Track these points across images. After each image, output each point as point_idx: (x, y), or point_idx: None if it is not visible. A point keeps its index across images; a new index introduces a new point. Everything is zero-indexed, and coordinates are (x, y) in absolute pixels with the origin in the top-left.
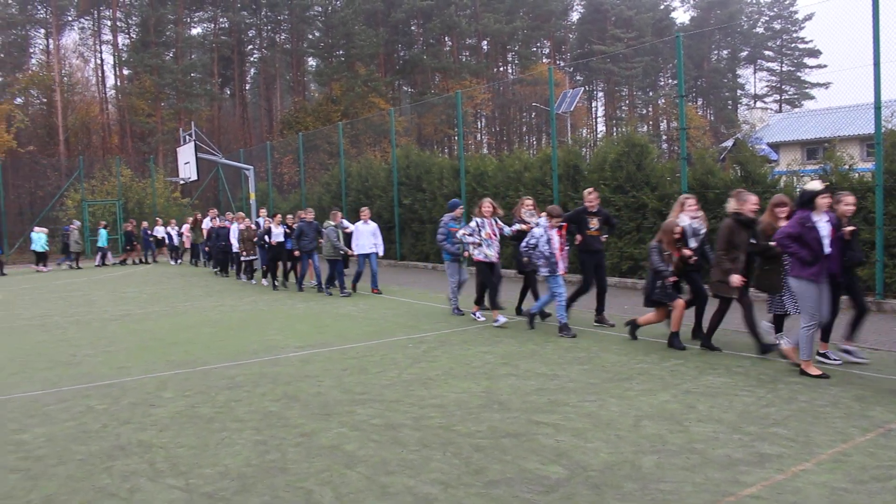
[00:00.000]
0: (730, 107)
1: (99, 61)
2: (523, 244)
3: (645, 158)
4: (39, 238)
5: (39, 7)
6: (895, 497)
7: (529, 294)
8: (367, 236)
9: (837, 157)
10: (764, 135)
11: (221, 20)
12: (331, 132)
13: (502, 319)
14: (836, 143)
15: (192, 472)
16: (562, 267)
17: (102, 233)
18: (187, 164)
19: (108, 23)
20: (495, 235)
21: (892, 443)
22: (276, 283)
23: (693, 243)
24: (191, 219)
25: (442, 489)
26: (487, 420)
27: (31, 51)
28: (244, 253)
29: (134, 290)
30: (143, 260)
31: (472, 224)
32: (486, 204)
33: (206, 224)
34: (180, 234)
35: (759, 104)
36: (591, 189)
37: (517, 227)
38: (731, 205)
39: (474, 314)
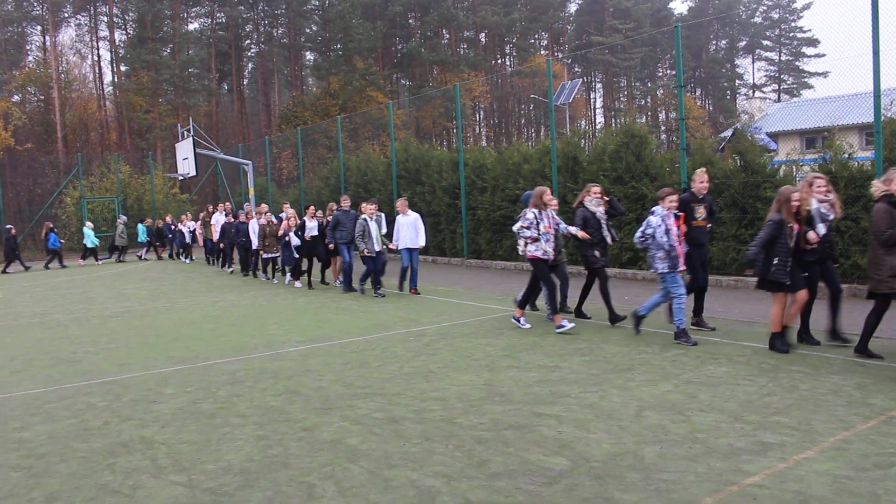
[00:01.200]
0: (728, 97)
1: (96, 58)
2: (638, 235)
3: (644, 149)
4: (89, 234)
5: (35, 4)
6: None
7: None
8: (408, 229)
9: (837, 145)
10: (763, 124)
11: (218, 15)
12: (329, 126)
13: (568, 325)
14: (835, 131)
15: (194, 468)
16: (682, 262)
17: (88, 232)
18: (186, 159)
19: (105, 19)
20: (552, 229)
21: (894, 430)
22: (312, 283)
23: (822, 229)
24: (202, 214)
25: (445, 482)
26: (489, 412)
27: (28, 48)
28: (265, 250)
29: (133, 286)
30: (172, 256)
31: (530, 215)
32: (549, 194)
33: (218, 219)
34: (192, 231)
35: (757, 94)
36: (703, 169)
37: (575, 230)
38: (878, 186)
39: (517, 319)
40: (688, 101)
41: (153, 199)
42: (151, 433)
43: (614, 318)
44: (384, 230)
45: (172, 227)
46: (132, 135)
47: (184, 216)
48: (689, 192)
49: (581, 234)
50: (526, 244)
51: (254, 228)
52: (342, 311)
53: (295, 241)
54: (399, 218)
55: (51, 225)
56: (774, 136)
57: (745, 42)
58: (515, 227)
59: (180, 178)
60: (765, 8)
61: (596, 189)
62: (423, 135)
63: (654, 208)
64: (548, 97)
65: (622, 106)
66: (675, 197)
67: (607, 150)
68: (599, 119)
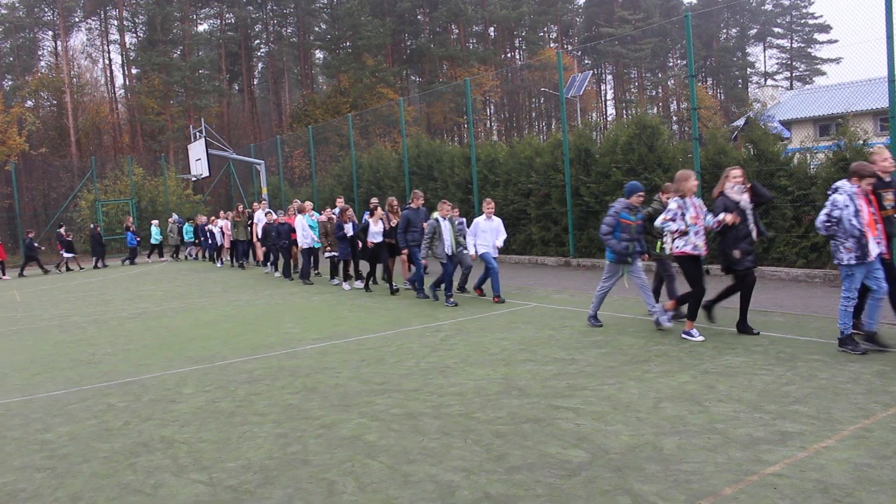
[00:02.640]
0: (740, 85)
1: (107, 61)
2: (822, 218)
3: (656, 140)
4: (154, 231)
5: (46, 9)
6: None
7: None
8: (490, 234)
9: (851, 132)
10: (776, 112)
11: (227, 16)
12: (340, 124)
13: (698, 336)
14: (849, 118)
15: (215, 467)
16: (875, 250)
17: (154, 230)
18: (198, 160)
19: (115, 22)
20: (700, 219)
21: None
22: (370, 286)
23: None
24: (230, 213)
25: (464, 476)
26: (507, 406)
27: (40, 53)
28: (329, 249)
29: (149, 288)
30: (206, 257)
31: (673, 206)
32: (693, 179)
33: (260, 218)
34: (222, 232)
35: (769, 82)
36: (881, 146)
37: (724, 217)
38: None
39: (688, 333)
40: (699, 91)
41: (167, 200)
42: (171, 432)
43: (745, 329)
44: (502, 237)
45: (205, 227)
46: (145, 137)
47: (213, 217)
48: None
49: (731, 217)
50: (673, 240)
51: (300, 226)
52: (358, 309)
53: (349, 232)
54: (481, 221)
55: (129, 224)
56: (788, 124)
57: (756, 30)
58: (658, 222)
59: (193, 178)
60: None
61: (736, 173)
62: (435, 130)
63: (838, 183)
64: (558, 90)
65: (633, 97)
66: (872, 177)
67: (619, 142)
68: (611, 111)
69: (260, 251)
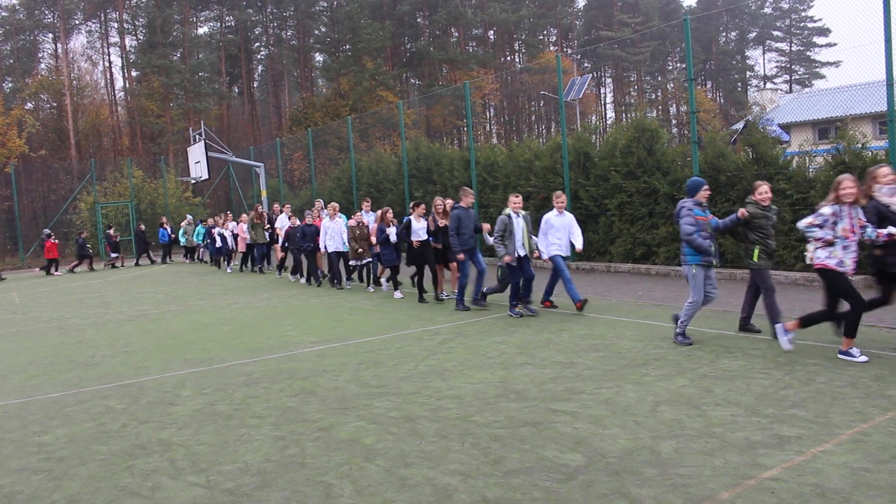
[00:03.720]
0: (739, 89)
1: (107, 64)
2: None
3: (656, 143)
4: (197, 231)
5: (47, 12)
6: None
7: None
8: (563, 232)
9: (850, 135)
10: (775, 116)
11: (227, 19)
12: (340, 127)
13: (860, 357)
14: (848, 121)
15: (212, 469)
16: None
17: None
18: (198, 163)
19: (115, 25)
20: (854, 233)
21: None
22: (425, 296)
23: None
24: (244, 216)
25: (461, 480)
26: (505, 410)
27: (40, 56)
28: (355, 256)
29: (149, 290)
30: (210, 260)
31: (827, 211)
32: (847, 183)
33: (282, 223)
34: (235, 236)
35: (768, 85)
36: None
37: (892, 230)
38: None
39: (847, 353)
40: (698, 94)
41: (166, 202)
42: (169, 435)
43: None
44: (577, 234)
45: (213, 230)
46: (144, 139)
47: (218, 218)
48: None
49: None
50: (815, 249)
51: (326, 230)
52: (356, 311)
53: (393, 238)
54: (552, 217)
55: (163, 222)
56: (786, 128)
57: (755, 33)
58: (801, 224)
59: (193, 181)
60: None
61: (885, 171)
62: (434, 133)
63: None
64: (558, 93)
65: (632, 100)
66: None
67: (618, 145)
68: (610, 114)
69: (279, 255)
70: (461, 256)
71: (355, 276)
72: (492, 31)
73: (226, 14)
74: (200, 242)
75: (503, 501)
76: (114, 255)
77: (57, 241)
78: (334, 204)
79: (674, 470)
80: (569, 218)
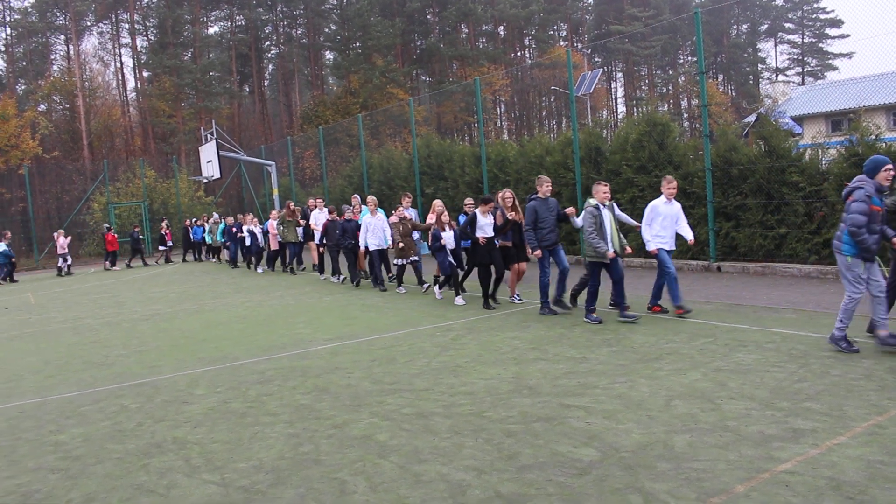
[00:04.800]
0: (751, 81)
1: (119, 65)
2: None
3: (667, 137)
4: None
5: (59, 14)
6: None
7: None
8: (671, 222)
9: (863, 127)
10: (787, 108)
11: (238, 18)
12: (351, 124)
13: None
14: (861, 113)
15: (227, 467)
16: None
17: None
18: (210, 162)
19: (126, 26)
20: None
21: None
22: (493, 302)
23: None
24: (274, 212)
25: (475, 475)
26: (518, 405)
27: (52, 57)
28: (399, 255)
29: (161, 289)
30: (237, 262)
31: None
32: None
33: (318, 217)
34: (265, 233)
35: (780, 77)
36: None
37: None
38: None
39: None
40: (710, 88)
41: (178, 202)
42: (184, 433)
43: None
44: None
45: (233, 229)
46: (156, 139)
47: (242, 217)
48: None
49: None
50: None
51: (368, 226)
52: (369, 309)
53: (450, 243)
54: (660, 204)
55: (195, 219)
56: (799, 120)
57: (766, 25)
58: None
59: (205, 180)
60: None
61: None
62: (445, 130)
63: None
64: (568, 88)
65: (643, 94)
66: None
67: (630, 140)
68: (621, 108)
69: (315, 254)
70: (537, 253)
71: (392, 276)
72: (502, 27)
73: (236, 13)
74: (221, 241)
75: (517, 497)
76: (162, 248)
77: (116, 234)
78: (373, 198)
79: (688, 464)
80: (677, 207)
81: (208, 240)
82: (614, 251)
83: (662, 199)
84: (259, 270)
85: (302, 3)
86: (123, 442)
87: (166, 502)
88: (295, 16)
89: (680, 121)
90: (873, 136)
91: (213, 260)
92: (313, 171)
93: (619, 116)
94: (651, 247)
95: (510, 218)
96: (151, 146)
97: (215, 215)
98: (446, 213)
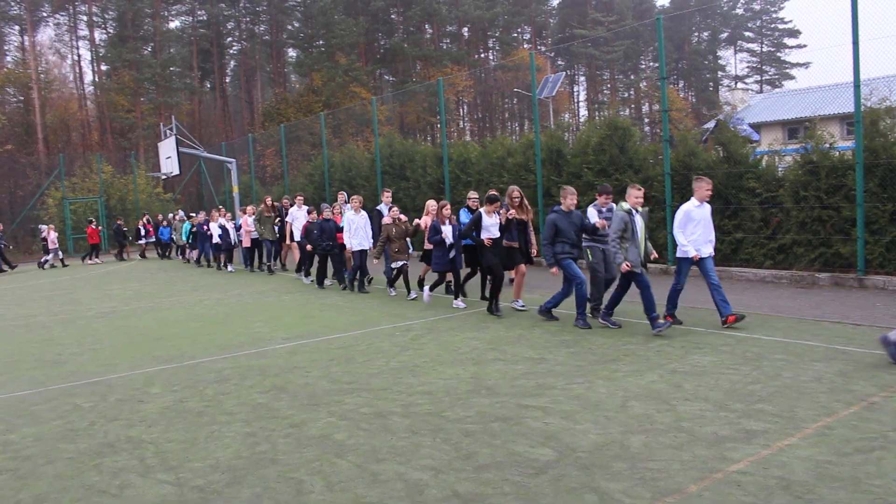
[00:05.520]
0: (711, 88)
1: (76, 57)
2: None
3: (628, 141)
4: (184, 228)
5: (13, 3)
6: (878, 468)
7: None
8: (703, 228)
9: (818, 135)
10: (745, 115)
11: (199, 13)
12: (313, 123)
13: None
14: (816, 122)
15: (182, 467)
16: None
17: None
18: (169, 158)
19: (84, 18)
20: None
21: (875, 416)
22: (498, 310)
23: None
24: (250, 208)
25: (433, 475)
26: (476, 405)
27: (6, 48)
28: (395, 256)
29: (118, 287)
30: (207, 261)
31: None
32: None
33: (295, 215)
34: (238, 229)
35: (739, 85)
36: None
37: None
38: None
39: None
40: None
41: (136, 198)
42: (138, 433)
43: None
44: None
45: (204, 227)
46: (114, 134)
47: (215, 212)
48: None
49: None
50: None
51: (351, 224)
52: (328, 308)
53: (449, 238)
54: (692, 208)
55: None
56: (757, 127)
57: (726, 33)
58: None
59: (163, 177)
60: None
61: None
62: (407, 130)
63: None
64: (531, 91)
65: (605, 98)
66: None
67: (591, 143)
68: (583, 112)
69: (296, 253)
70: (554, 271)
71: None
72: (466, 28)
73: (198, 8)
74: (186, 241)
75: (474, 496)
76: (140, 242)
77: (99, 227)
78: (359, 196)
79: (643, 464)
80: (708, 210)
81: (174, 238)
82: (629, 263)
83: (694, 201)
84: (230, 269)
85: None
86: (76, 441)
87: (119, 503)
88: (258, 12)
89: (641, 125)
90: (828, 145)
91: (180, 258)
92: (274, 169)
93: (581, 120)
94: (693, 253)
95: (513, 217)
96: (109, 141)
97: (181, 212)
98: (448, 206)
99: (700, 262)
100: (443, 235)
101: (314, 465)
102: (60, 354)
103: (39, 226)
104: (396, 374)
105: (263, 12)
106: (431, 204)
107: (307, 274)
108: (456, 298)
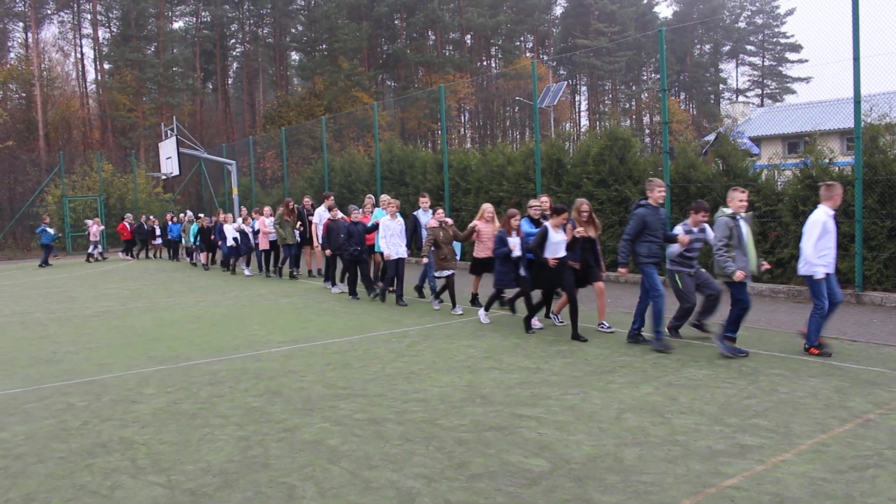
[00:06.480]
0: (712, 101)
1: (79, 55)
2: None
3: (628, 152)
4: (192, 230)
5: (18, 0)
6: (872, 486)
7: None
8: (832, 241)
9: (818, 150)
10: (746, 129)
11: (203, 14)
12: (314, 126)
13: None
14: (816, 136)
15: (174, 469)
16: None
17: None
18: (169, 159)
19: (88, 16)
20: None
21: (870, 433)
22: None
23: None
24: (267, 209)
25: (425, 483)
26: (470, 414)
27: (10, 45)
28: (440, 265)
29: (115, 286)
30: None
31: None
32: None
33: (321, 215)
34: (256, 232)
35: (740, 98)
36: None
37: None
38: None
39: None
40: (672, 105)
41: (136, 198)
42: (131, 433)
43: None
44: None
45: (212, 236)
46: (115, 133)
47: (223, 214)
48: None
49: None
50: None
51: (387, 229)
52: (325, 312)
53: (517, 251)
54: (828, 218)
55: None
56: (757, 141)
57: (728, 47)
58: None
59: (163, 177)
60: (749, 13)
61: None
62: (408, 136)
63: None
64: (532, 99)
65: (606, 109)
66: None
67: (591, 153)
68: (584, 122)
69: (320, 258)
70: (623, 271)
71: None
72: (469, 36)
73: (201, 9)
74: (193, 242)
75: None
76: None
77: (134, 223)
78: (396, 200)
79: (636, 477)
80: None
81: (183, 241)
82: (748, 272)
83: (827, 209)
84: (248, 273)
85: (269, 2)
86: (67, 441)
87: (110, 503)
88: (262, 14)
89: (641, 136)
90: (827, 160)
91: (189, 260)
92: (274, 171)
93: (582, 130)
94: (822, 274)
95: (579, 235)
96: (110, 140)
97: (189, 213)
98: (518, 215)
99: (829, 278)
100: (511, 247)
101: (306, 471)
102: (55, 352)
103: (85, 220)
104: (391, 380)
105: (267, 15)
106: (488, 208)
107: (334, 283)
108: (486, 310)
